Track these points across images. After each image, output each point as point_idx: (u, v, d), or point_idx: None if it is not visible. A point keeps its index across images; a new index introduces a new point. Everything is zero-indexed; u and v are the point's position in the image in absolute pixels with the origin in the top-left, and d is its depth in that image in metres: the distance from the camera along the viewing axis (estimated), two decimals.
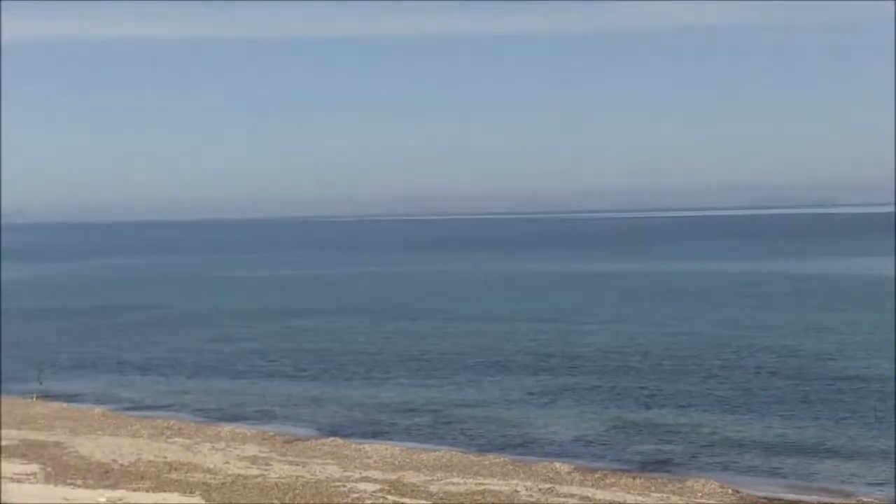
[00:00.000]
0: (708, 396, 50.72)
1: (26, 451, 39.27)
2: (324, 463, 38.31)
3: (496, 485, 34.91)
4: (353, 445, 41.90)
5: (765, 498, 34.32)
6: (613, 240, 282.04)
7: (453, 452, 40.60)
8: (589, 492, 34.36)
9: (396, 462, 38.77)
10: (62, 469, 36.38)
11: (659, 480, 36.18)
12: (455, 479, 35.67)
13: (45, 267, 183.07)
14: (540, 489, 34.41)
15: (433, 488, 34.31)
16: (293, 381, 58.15)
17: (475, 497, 33.27)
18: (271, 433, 44.62)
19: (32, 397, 52.68)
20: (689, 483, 35.58)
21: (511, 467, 38.19)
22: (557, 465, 38.32)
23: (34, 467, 36.59)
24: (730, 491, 34.65)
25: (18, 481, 34.58)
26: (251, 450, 40.60)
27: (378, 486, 34.24)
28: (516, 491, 34.06)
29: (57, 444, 40.66)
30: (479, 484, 35.04)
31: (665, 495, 34.05)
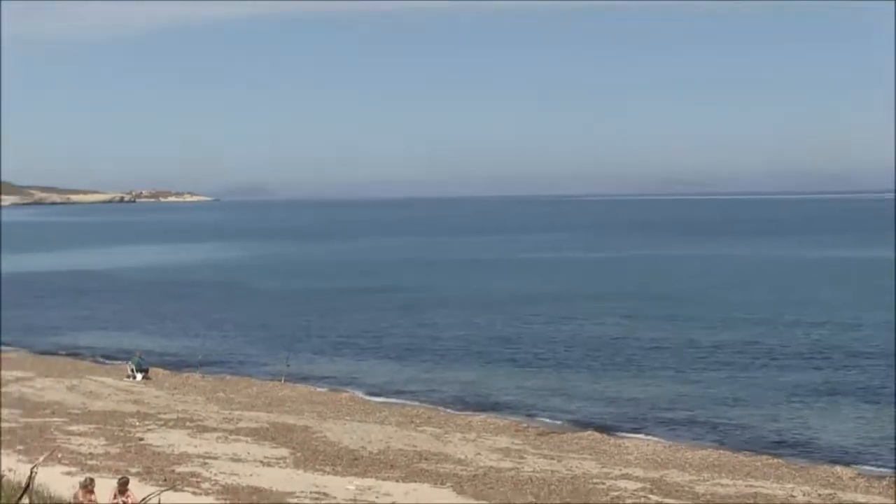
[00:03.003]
0: None
1: (276, 434, 38.69)
2: (580, 458, 36.13)
3: (769, 488, 32.01)
4: (612, 440, 39.53)
5: None
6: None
7: (721, 451, 37.71)
8: (876, 500, 31.09)
9: (659, 459, 36.23)
10: (311, 454, 35.53)
11: None
12: (723, 481, 32.93)
13: (298, 247, 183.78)
14: (819, 495, 31.30)
15: (699, 489, 31.71)
16: (543, 370, 55.84)
17: (746, 500, 30.56)
18: (524, 424, 42.65)
19: (280, 380, 52.45)
20: None
21: (785, 470, 35.10)
22: (839, 469, 35.00)
23: (284, 451, 35.90)
24: None
25: (269, 465, 33.95)
26: (503, 441, 38.79)
27: (639, 485, 31.85)
28: (792, 496, 31.09)
29: (305, 428, 39.93)
30: (750, 486, 32.24)
31: None
